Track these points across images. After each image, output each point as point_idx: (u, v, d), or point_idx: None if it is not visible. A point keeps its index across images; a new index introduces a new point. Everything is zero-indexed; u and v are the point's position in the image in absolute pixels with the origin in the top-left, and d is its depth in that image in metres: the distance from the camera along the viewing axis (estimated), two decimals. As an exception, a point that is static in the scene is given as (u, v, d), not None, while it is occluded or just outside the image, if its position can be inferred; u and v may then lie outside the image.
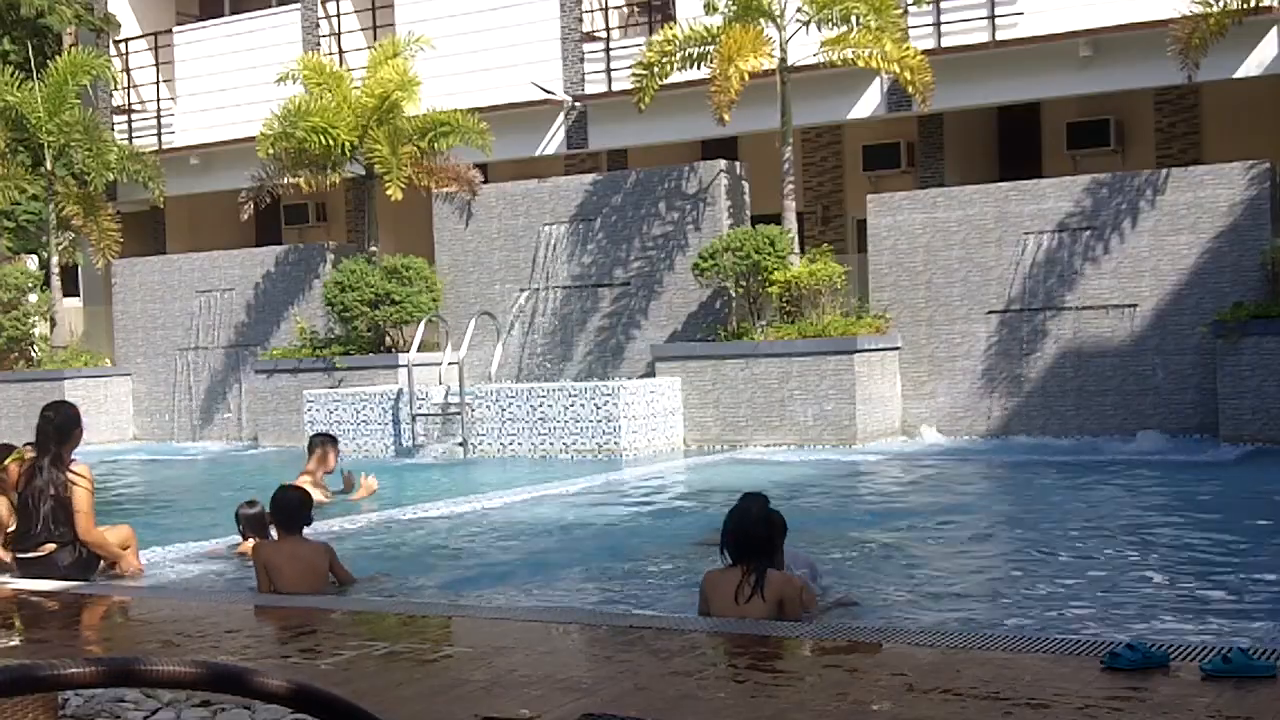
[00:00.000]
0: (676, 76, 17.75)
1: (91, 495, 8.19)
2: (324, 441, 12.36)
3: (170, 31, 26.42)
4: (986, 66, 19.35)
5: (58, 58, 23.09)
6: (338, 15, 24.62)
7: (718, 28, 16.86)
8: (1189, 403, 15.65)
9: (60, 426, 8.11)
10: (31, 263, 26.18)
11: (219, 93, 25.10)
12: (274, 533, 8.14)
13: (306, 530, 8.07)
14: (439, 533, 10.62)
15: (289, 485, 8.59)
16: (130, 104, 26.62)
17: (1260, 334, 14.68)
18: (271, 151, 19.57)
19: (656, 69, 17.30)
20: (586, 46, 22.23)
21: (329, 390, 18.14)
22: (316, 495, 10.32)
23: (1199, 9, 15.36)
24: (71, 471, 8.10)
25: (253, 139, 20.32)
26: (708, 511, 10.76)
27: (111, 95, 26.26)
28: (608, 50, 21.98)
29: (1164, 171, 16.23)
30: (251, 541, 9.13)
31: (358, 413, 17.40)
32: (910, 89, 16.65)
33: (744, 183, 18.36)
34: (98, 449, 19.64)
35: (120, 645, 6.21)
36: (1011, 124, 21.97)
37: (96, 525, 8.26)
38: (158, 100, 26.23)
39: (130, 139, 25.55)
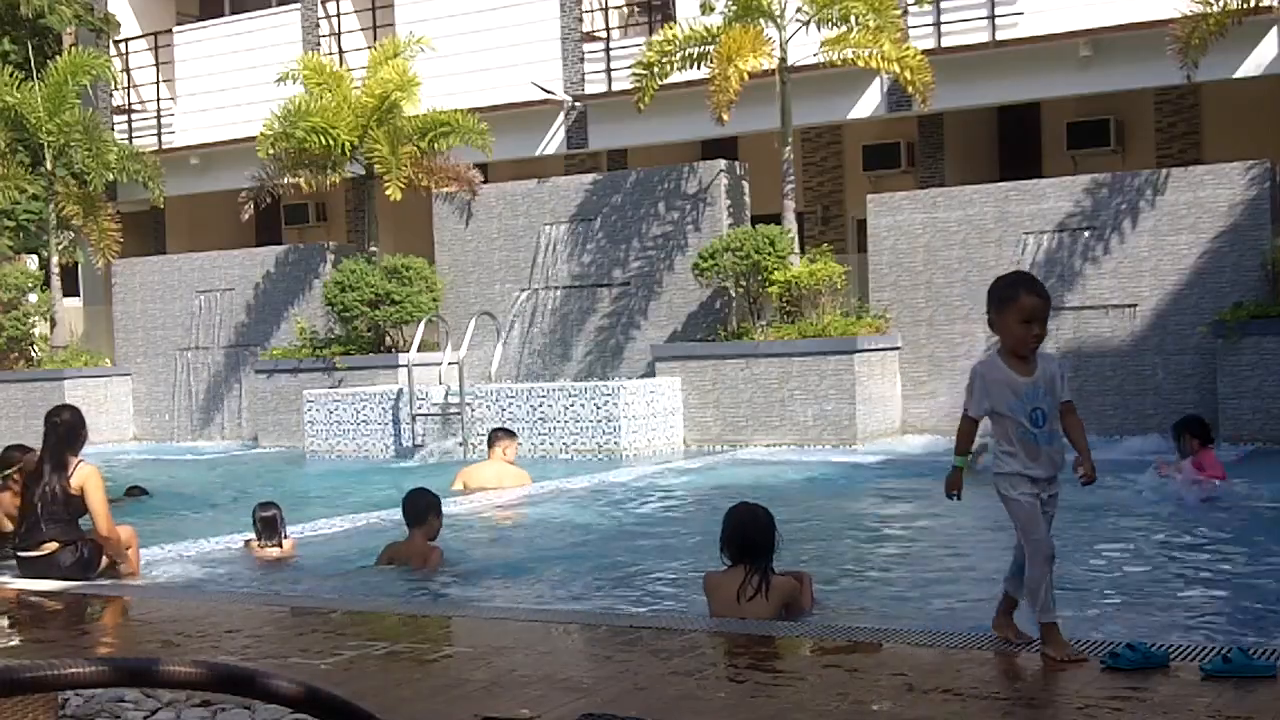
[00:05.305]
0: (676, 76, 17.75)
1: (104, 494, 8.25)
2: (499, 436, 13.22)
3: (170, 31, 26.43)
4: (986, 66, 19.35)
5: (58, 58, 23.08)
6: (338, 15, 24.62)
7: (717, 28, 16.86)
8: (1189, 403, 15.62)
9: (68, 431, 8.23)
10: (31, 263, 26.18)
11: (219, 93, 25.10)
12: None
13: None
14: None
15: (419, 487, 9.13)
16: (130, 104, 26.62)
17: (1260, 334, 14.68)
18: (271, 151, 19.57)
19: (656, 69, 17.30)
20: (586, 46, 22.23)
21: (329, 390, 18.15)
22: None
23: (1199, 9, 15.35)
24: (81, 473, 8.15)
25: (253, 139, 20.32)
26: (708, 511, 10.75)
27: (111, 95, 26.26)
28: (608, 50, 21.98)
29: (1164, 171, 16.23)
30: (258, 544, 9.18)
31: (358, 413, 17.40)
32: (910, 89, 16.65)
33: (744, 183, 18.36)
34: (98, 449, 19.62)
35: (121, 645, 6.22)
36: (1011, 124, 21.97)
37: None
38: (158, 100, 26.23)
39: (130, 139, 25.55)
